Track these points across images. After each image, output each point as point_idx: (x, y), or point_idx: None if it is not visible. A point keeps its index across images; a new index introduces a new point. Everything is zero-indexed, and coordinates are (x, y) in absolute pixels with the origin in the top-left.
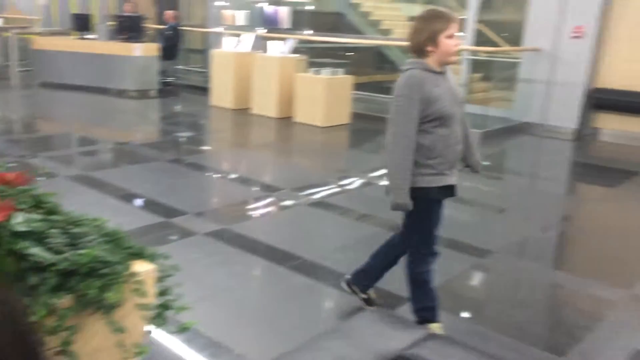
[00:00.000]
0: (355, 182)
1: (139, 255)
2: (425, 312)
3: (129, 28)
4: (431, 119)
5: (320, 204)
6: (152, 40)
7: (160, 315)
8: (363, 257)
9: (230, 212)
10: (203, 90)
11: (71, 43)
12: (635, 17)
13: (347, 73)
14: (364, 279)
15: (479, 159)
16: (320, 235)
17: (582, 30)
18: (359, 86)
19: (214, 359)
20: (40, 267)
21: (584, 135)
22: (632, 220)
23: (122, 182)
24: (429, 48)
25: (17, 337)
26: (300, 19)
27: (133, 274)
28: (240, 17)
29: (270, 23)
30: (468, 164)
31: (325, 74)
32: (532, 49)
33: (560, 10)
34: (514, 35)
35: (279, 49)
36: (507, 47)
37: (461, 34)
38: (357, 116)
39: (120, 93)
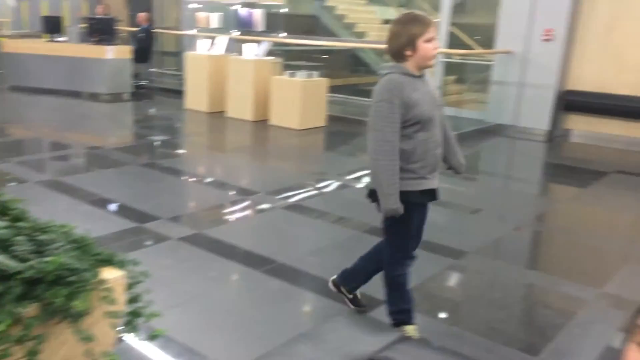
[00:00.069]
0: (331, 185)
1: (108, 261)
2: (401, 315)
3: (100, 30)
4: (411, 123)
5: (297, 207)
6: (125, 43)
7: (130, 322)
8: (339, 259)
9: (205, 216)
10: (177, 93)
11: (42, 46)
12: (603, 20)
13: (323, 76)
14: (352, 280)
15: (461, 160)
16: (296, 238)
17: (551, 33)
18: (334, 89)
19: None
20: (5, 276)
21: (555, 137)
22: (602, 219)
23: (95, 187)
24: (408, 52)
25: None
26: (274, 22)
27: (102, 281)
28: (214, 19)
29: (245, 25)
30: (450, 166)
31: (301, 76)
32: (504, 52)
33: (531, 14)
34: (486, 38)
35: (254, 51)
36: (479, 50)
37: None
38: (332, 119)
39: (93, 96)
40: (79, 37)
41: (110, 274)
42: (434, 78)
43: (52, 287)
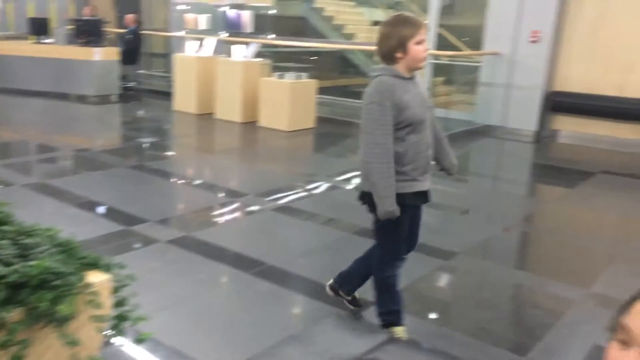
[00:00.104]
0: (321, 187)
1: (94, 265)
2: (390, 316)
3: (87, 32)
4: (403, 125)
5: (286, 209)
6: (112, 45)
7: (117, 326)
8: (329, 261)
9: (193, 218)
10: (166, 95)
11: (28, 48)
12: (589, 21)
13: (312, 77)
14: (349, 283)
15: (453, 161)
16: (286, 240)
17: (538, 34)
18: (323, 90)
19: None
20: None
21: (543, 137)
22: (590, 220)
23: (82, 190)
24: (398, 54)
25: None
26: (263, 23)
27: (87, 285)
28: (203, 21)
29: (233, 27)
30: (443, 167)
31: (290, 78)
32: (492, 53)
33: (518, 16)
34: (474, 39)
35: (242, 53)
36: (467, 52)
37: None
38: (321, 120)
39: (80, 98)
40: (66, 39)
41: (95, 277)
42: (423, 80)
43: (37, 291)
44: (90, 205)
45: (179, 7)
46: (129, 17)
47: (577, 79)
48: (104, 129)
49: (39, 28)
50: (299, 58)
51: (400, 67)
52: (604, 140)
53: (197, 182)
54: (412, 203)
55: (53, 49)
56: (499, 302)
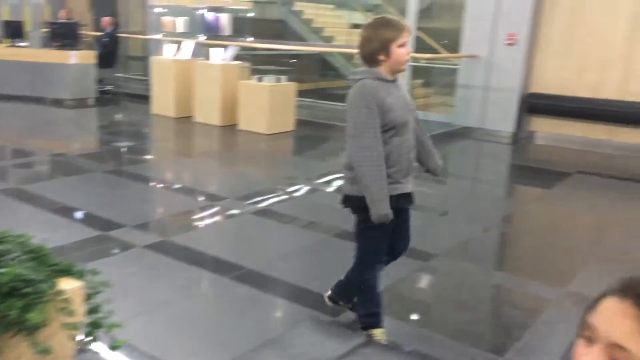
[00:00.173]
0: (301, 190)
1: (66, 272)
2: (370, 318)
3: (63, 35)
4: (387, 128)
5: (266, 212)
6: (89, 48)
7: (91, 333)
8: (309, 264)
9: (172, 223)
10: (144, 98)
11: (2, 51)
12: (564, 25)
13: (291, 80)
14: (347, 292)
15: (438, 162)
16: (266, 243)
17: (514, 37)
18: (303, 93)
19: None
20: None
21: (520, 139)
22: (566, 220)
23: (58, 195)
24: (381, 57)
25: None
26: (241, 26)
27: (59, 292)
28: (181, 23)
29: (211, 30)
30: (428, 169)
31: (269, 81)
32: (470, 56)
33: (495, 18)
34: (452, 42)
35: (221, 56)
36: (445, 54)
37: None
38: (301, 123)
39: (57, 102)
40: (41, 42)
41: (68, 284)
42: (403, 82)
43: (7, 299)
44: (66, 211)
45: (156, 10)
46: (106, 20)
47: (552, 80)
48: (80, 133)
49: (14, 31)
50: (278, 61)
51: (383, 70)
52: (577, 141)
53: (176, 186)
54: (395, 206)
55: (28, 52)
56: (478, 303)
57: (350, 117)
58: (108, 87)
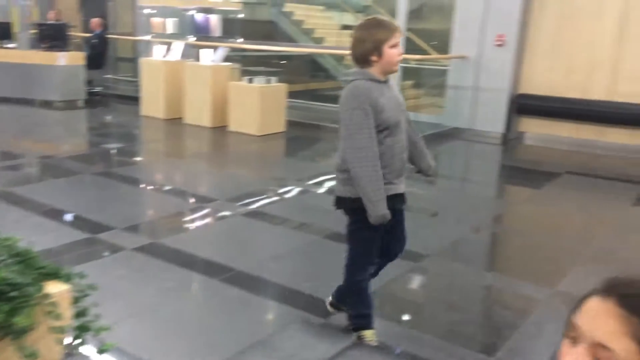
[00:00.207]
0: (291, 191)
1: (53, 275)
2: (360, 320)
3: (52, 36)
4: (380, 129)
5: (257, 213)
6: (78, 49)
7: (78, 337)
8: (300, 265)
9: (161, 225)
10: (133, 99)
11: None
12: (553, 26)
13: (281, 81)
14: (347, 296)
15: (430, 162)
16: (256, 245)
17: (504, 38)
18: (293, 94)
19: None
20: None
21: (510, 139)
22: (556, 220)
23: (46, 198)
24: (373, 58)
25: None
26: (231, 27)
27: (46, 296)
28: (170, 25)
29: (201, 31)
30: (420, 169)
31: (259, 82)
32: (459, 57)
33: (484, 20)
34: (442, 43)
35: (210, 57)
36: (435, 55)
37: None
38: (292, 124)
39: (45, 104)
40: (29, 43)
41: (55, 288)
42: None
43: None
44: (55, 213)
45: (145, 11)
46: (95, 21)
47: (542, 81)
48: (69, 135)
49: (1, 32)
50: (268, 62)
51: (375, 71)
52: (566, 142)
53: (166, 188)
54: (388, 207)
55: (16, 53)
56: (468, 303)
57: (343, 119)
58: (97, 89)
